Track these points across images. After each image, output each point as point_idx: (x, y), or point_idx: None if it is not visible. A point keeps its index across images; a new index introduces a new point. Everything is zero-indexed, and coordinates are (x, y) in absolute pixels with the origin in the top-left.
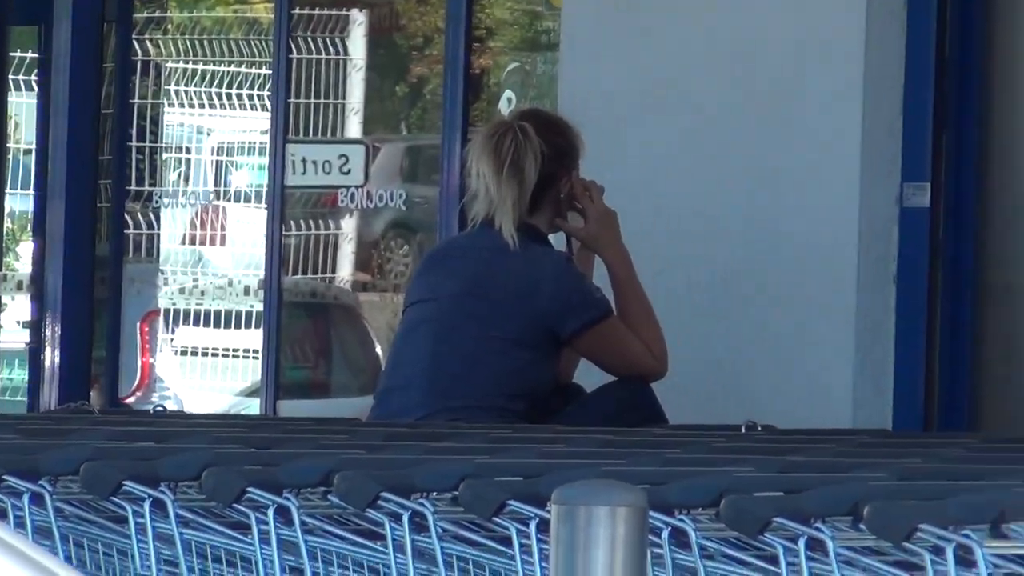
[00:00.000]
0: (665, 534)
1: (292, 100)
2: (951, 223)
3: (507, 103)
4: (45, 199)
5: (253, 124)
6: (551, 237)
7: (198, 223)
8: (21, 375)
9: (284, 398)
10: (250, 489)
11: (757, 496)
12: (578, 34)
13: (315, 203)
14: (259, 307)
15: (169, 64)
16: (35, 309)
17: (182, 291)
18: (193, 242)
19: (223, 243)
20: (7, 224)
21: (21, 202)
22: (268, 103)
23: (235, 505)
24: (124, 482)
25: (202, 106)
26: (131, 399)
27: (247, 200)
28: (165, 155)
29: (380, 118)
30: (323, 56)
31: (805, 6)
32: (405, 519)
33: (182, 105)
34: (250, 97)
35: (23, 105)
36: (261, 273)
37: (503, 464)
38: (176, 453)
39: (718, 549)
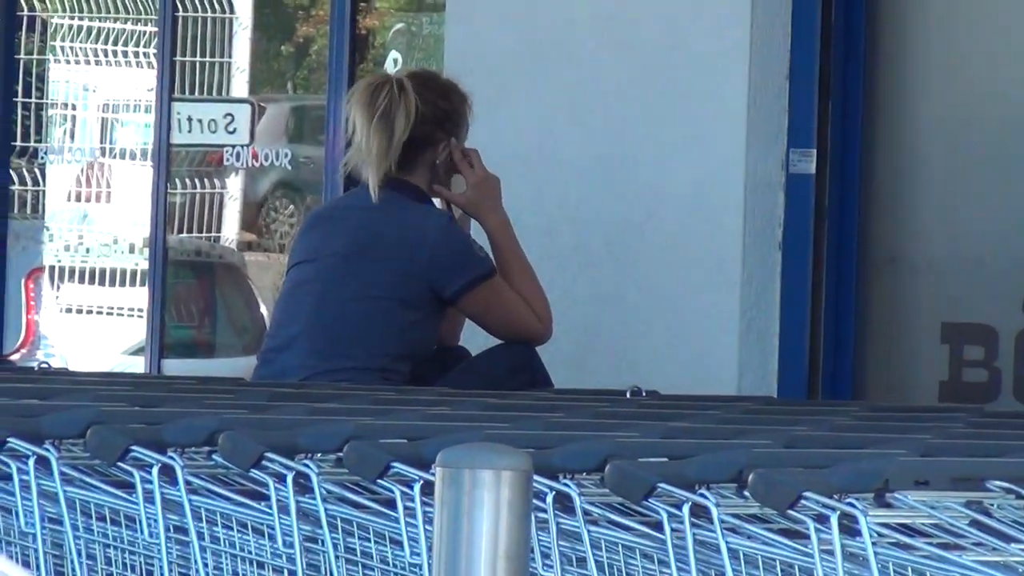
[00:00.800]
0: (549, 498)
1: (178, 58)
2: (836, 191)
3: (392, 64)
4: None
5: (139, 81)
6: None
7: (84, 180)
8: None
9: (169, 357)
10: (134, 448)
11: (641, 462)
12: None
13: (200, 162)
14: (144, 265)
15: (55, 20)
16: None
17: (67, 248)
18: (79, 199)
19: (109, 200)
20: None
21: None
22: (154, 60)
23: (120, 463)
24: (8, 439)
25: (88, 63)
26: (15, 356)
27: (133, 158)
28: (51, 111)
29: (266, 77)
30: (209, 14)
31: None
32: (289, 480)
33: (68, 61)
34: (136, 54)
35: None
36: (147, 231)
37: (388, 426)
38: (60, 410)
39: (602, 514)
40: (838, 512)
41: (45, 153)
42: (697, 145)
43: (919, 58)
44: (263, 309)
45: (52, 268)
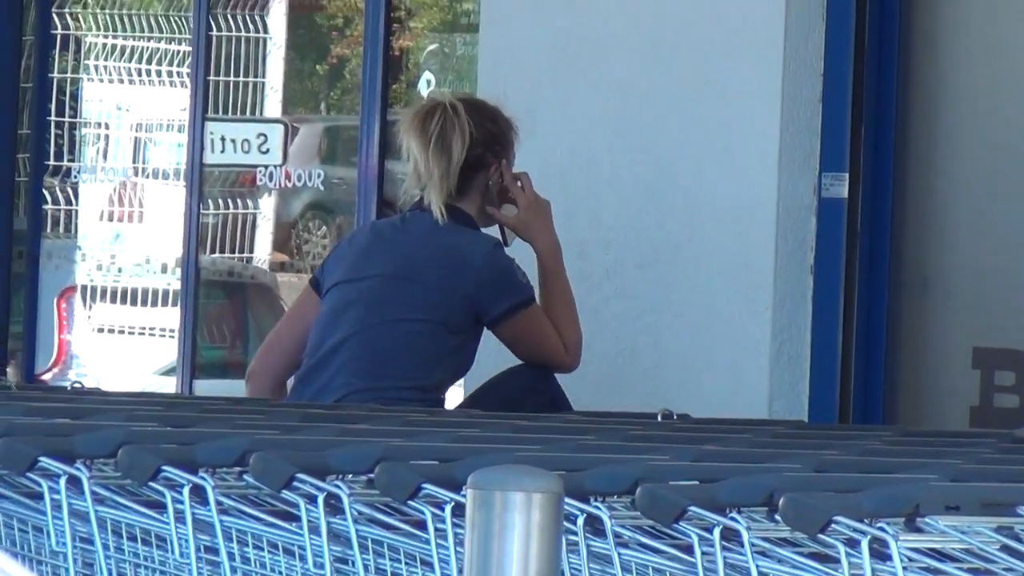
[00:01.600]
0: (580, 521)
1: (212, 78)
2: (868, 214)
3: (426, 84)
4: None
5: (172, 101)
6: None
7: (116, 199)
8: None
9: (200, 377)
10: (165, 468)
11: (672, 485)
12: (498, 14)
13: (233, 182)
14: (176, 285)
15: (89, 38)
16: None
17: (100, 268)
18: (111, 219)
19: (141, 220)
20: None
21: None
22: (188, 80)
23: (151, 483)
24: (40, 458)
25: (121, 82)
26: (47, 375)
27: (165, 177)
28: (84, 130)
29: (299, 98)
30: (243, 34)
31: None
32: (320, 500)
33: (101, 80)
34: (169, 74)
35: None
36: (179, 251)
37: (419, 448)
38: (92, 430)
39: (633, 537)
40: (869, 536)
41: (78, 172)
42: (730, 168)
43: (952, 82)
44: None
45: (84, 287)
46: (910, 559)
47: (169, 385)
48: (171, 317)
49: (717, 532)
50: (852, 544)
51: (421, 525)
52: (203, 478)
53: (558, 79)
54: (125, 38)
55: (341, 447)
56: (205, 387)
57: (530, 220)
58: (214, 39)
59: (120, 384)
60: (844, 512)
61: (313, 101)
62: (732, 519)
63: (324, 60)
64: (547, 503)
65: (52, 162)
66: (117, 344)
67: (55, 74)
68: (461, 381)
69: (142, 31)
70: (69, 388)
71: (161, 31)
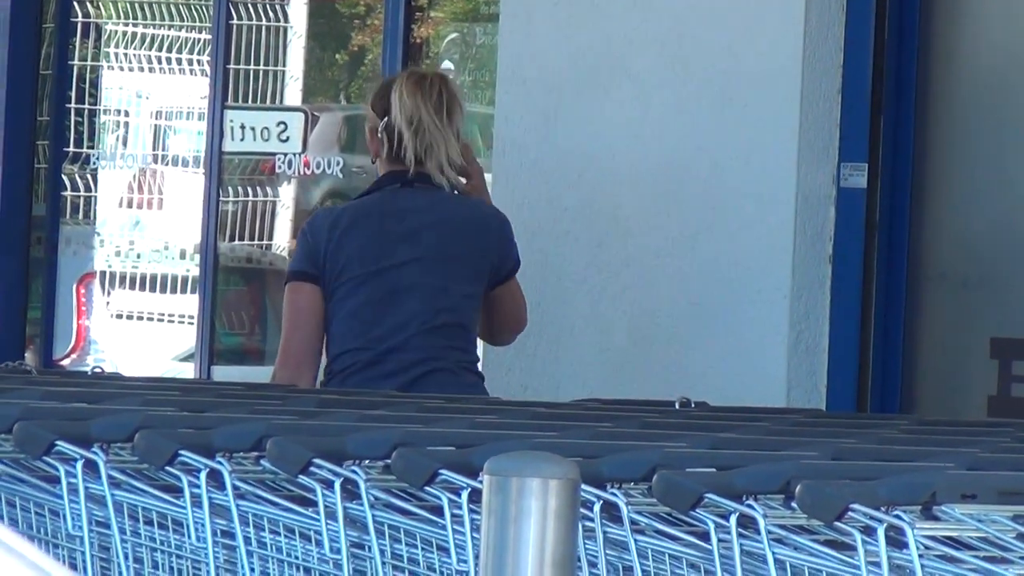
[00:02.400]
0: (597, 507)
1: (232, 66)
2: (887, 205)
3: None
4: None
5: (192, 88)
6: None
7: (135, 186)
8: None
9: (218, 364)
10: (182, 452)
11: (689, 472)
12: (518, 5)
13: (253, 170)
14: (195, 272)
15: (109, 26)
16: None
17: (118, 254)
18: (130, 205)
19: (160, 207)
20: None
21: None
22: (207, 68)
23: (167, 468)
24: (56, 442)
25: (141, 69)
26: (66, 361)
27: (185, 165)
28: (103, 117)
29: (319, 86)
30: (263, 23)
31: None
32: (337, 486)
33: (121, 68)
34: (189, 62)
35: None
36: (198, 238)
37: (436, 434)
38: (109, 414)
39: (649, 524)
40: (885, 524)
41: (97, 159)
42: (749, 159)
43: (971, 73)
44: None
45: (103, 274)
46: (926, 547)
47: (187, 371)
48: (189, 304)
49: (733, 519)
50: (868, 532)
51: (438, 511)
52: (220, 463)
53: (577, 69)
54: (145, 26)
55: (358, 432)
56: (223, 373)
57: (481, 186)
58: (234, 28)
59: (138, 370)
60: (860, 500)
61: (333, 90)
62: (749, 506)
63: (344, 49)
64: (564, 489)
65: (71, 149)
66: (135, 330)
67: (75, 61)
68: None
69: (162, 19)
70: (90, 372)
71: (181, 19)
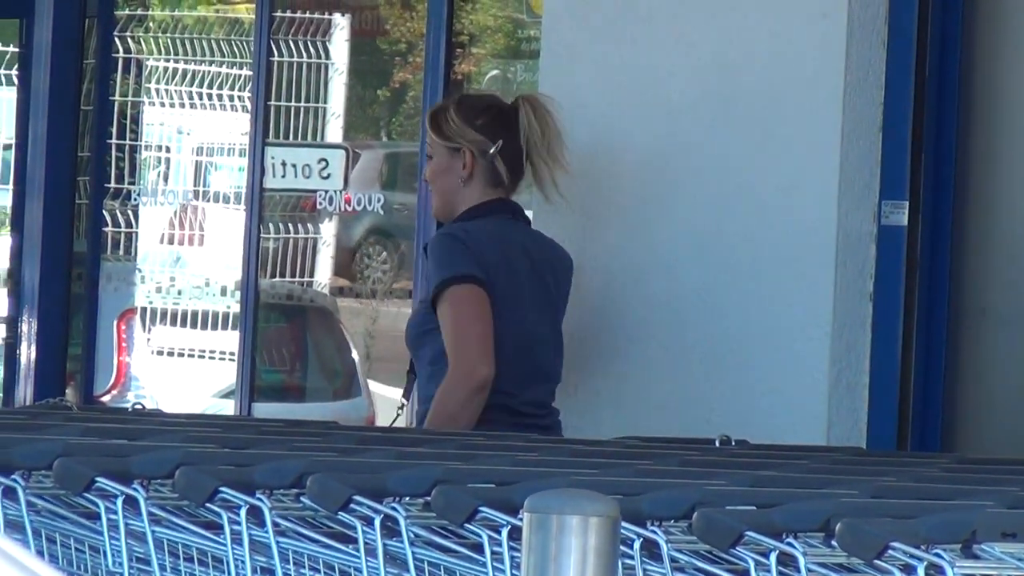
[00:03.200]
0: (637, 545)
1: (273, 103)
2: (928, 243)
3: None
4: (23, 194)
5: (233, 125)
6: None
7: (177, 223)
8: None
9: (259, 400)
10: (222, 489)
11: (729, 509)
12: (559, 42)
13: (294, 206)
14: (236, 309)
15: (150, 62)
16: (11, 305)
17: (159, 290)
18: (171, 242)
19: (201, 243)
20: None
21: (3, 197)
22: (248, 104)
23: (207, 504)
24: (97, 478)
25: (183, 105)
26: (106, 397)
27: (226, 201)
28: (145, 153)
29: (361, 123)
30: (304, 59)
31: (785, 21)
32: (377, 523)
33: (162, 104)
34: (231, 98)
35: (3, 100)
36: (238, 274)
37: (476, 471)
38: (149, 451)
39: (689, 562)
40: (925, 562)
41: (138, 195)
42: (790, 196)
43: (1013, 110)
44: (354, 354)
45: (143, 310)
46: None
47: (228, 408)
48: (230, 340)
49: (773, 557)
50: (908, 570)
51: (478, 548)
52: (260, 499)
53: (617, 105)
54: (187, 62)
55: (398, 469)
56: (264, 410)
57: None
58: (275, 64)
59: (179, 406)
60: (901, 538)
61: (374, 127)
62: (789, 544)
63: (386, 85)
64: (604, 527)
65: (112, 185)
66: (176, 367)
67: (116, 97)
68: None
69: (203, 55)
70: (130, 409)
71: (222, 55)
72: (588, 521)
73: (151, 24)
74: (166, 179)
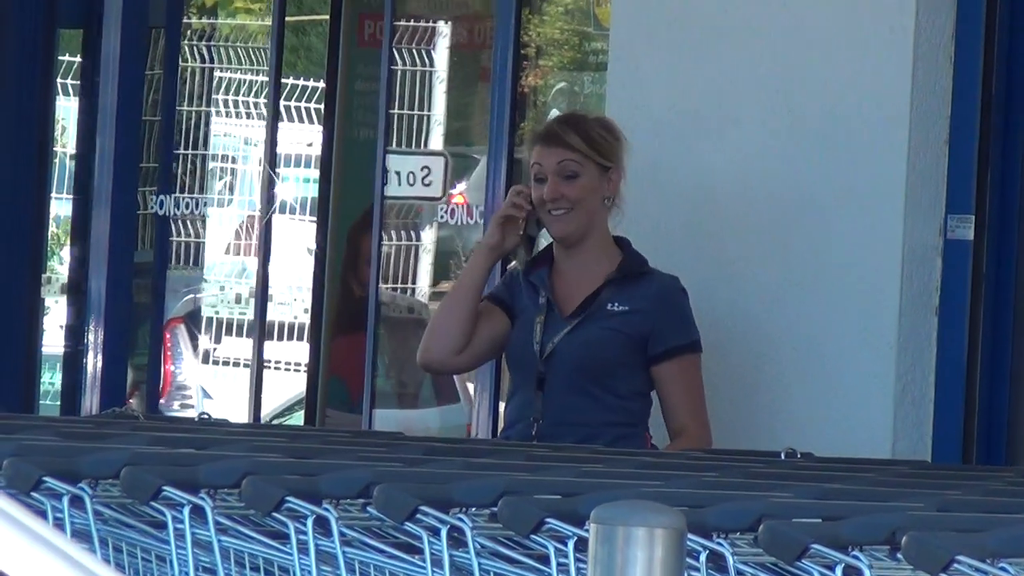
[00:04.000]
0: (703, 557)
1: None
2: (993, 257)
3: None
4: (87, 204)
5: (301, 136)
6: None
7: (243, 233)
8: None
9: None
10: (289, 499)
11: (795, 522)
12: (626, 55)
13: (407, 213)
14: (304, 319)
15: (217, 73)
16: (71, 314)
17: (225, 300)
18: (238, 252)
19: (267, 254)
20: (52, 228)
21: (66, 207)
22: (315, 115)
23: (274, 514)
24: (164, 488)
25: (250, 116)
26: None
27: (292, 212)
28: (211, 164)
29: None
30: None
31: (853, 37)
32: (443, 533)
33: (229, 114)
34: (298, 109)
35: (70, 110)
36: (308, 284)
37: (542, 482)
38: (216, 460)
39: (755, 574)
40: None
41: (205, 205)
42: (856, 210)
43: None
44: None
45: (209, 320)
46: None
47: (295, 418)
48: (297, 351)
49: (839, 570)
50: None
51: (544, 559)
52: (327, 509)
53: (684, 117)
54: (254, 73)
55: (465, 480)
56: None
57: None
58: (398, 73)
59: (245, 416)
60: (967, 551)
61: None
62: (854, 557)
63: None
64: (670, 539)
65: (178, 195)
66: (242, 377)
67: (183, 108)
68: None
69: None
70: (197, 419)
71: (290, 66)
72: (654, 533)
73: (217, 35)
74: (232, 189)
